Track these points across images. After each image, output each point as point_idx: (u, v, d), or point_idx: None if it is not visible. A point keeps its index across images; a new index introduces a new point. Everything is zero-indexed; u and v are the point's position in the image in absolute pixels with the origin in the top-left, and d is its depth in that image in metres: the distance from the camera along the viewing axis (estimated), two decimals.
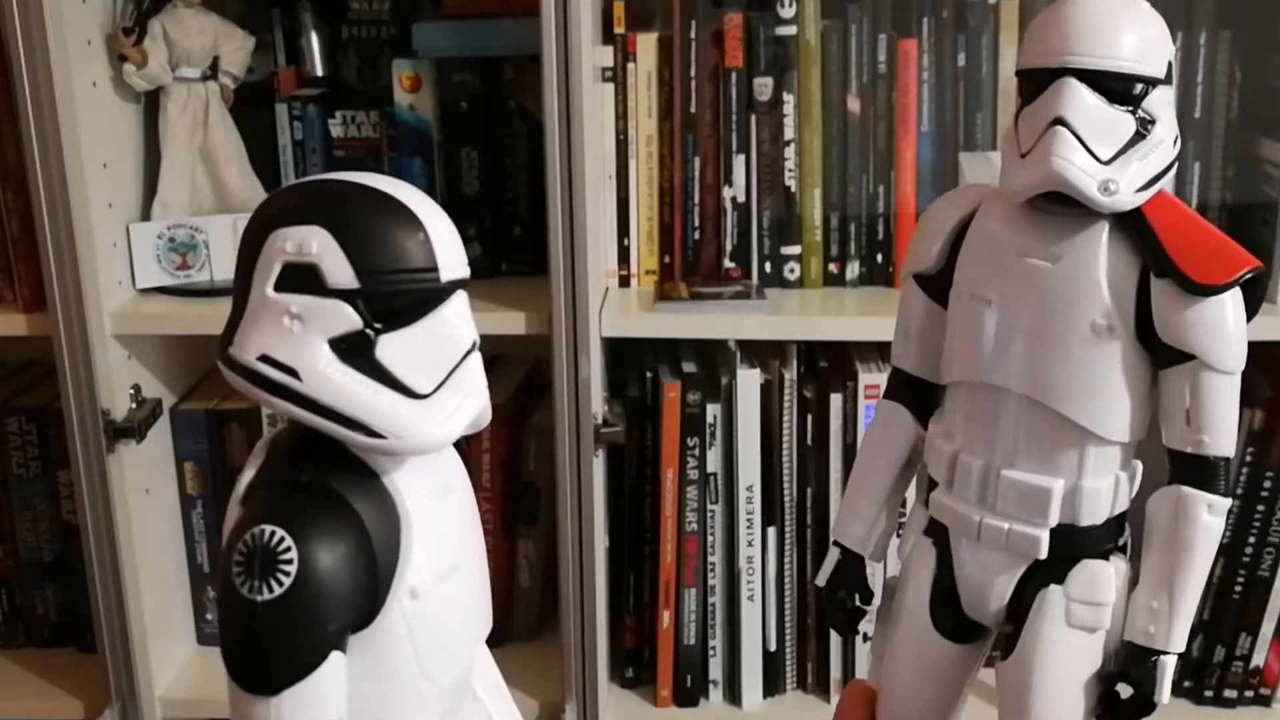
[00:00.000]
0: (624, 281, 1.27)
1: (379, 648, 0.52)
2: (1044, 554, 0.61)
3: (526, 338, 1.18)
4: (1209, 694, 1.27)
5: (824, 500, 1.25)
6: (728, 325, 1.20)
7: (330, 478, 0.51)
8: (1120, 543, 0.63)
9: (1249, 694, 1.28)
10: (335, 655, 0.50)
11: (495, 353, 1.43)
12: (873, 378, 1.21)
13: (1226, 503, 0.60)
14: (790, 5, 1.20)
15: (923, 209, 1.24)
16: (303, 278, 0.51)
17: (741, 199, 1.25)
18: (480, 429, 0.55)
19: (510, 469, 1.32)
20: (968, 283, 0.62)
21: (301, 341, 0.51)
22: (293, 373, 0.51)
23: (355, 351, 0.51)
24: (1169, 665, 0.60)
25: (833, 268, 1.27)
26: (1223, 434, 0.59)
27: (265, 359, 0.52)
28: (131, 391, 1.23)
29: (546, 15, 1.07)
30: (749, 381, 1.22)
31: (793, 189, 1.24)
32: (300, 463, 0.52)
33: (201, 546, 1.34)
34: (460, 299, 0.53)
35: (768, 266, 1.27)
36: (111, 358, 1.19)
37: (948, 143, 1.24)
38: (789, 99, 1.22)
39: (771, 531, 1.26)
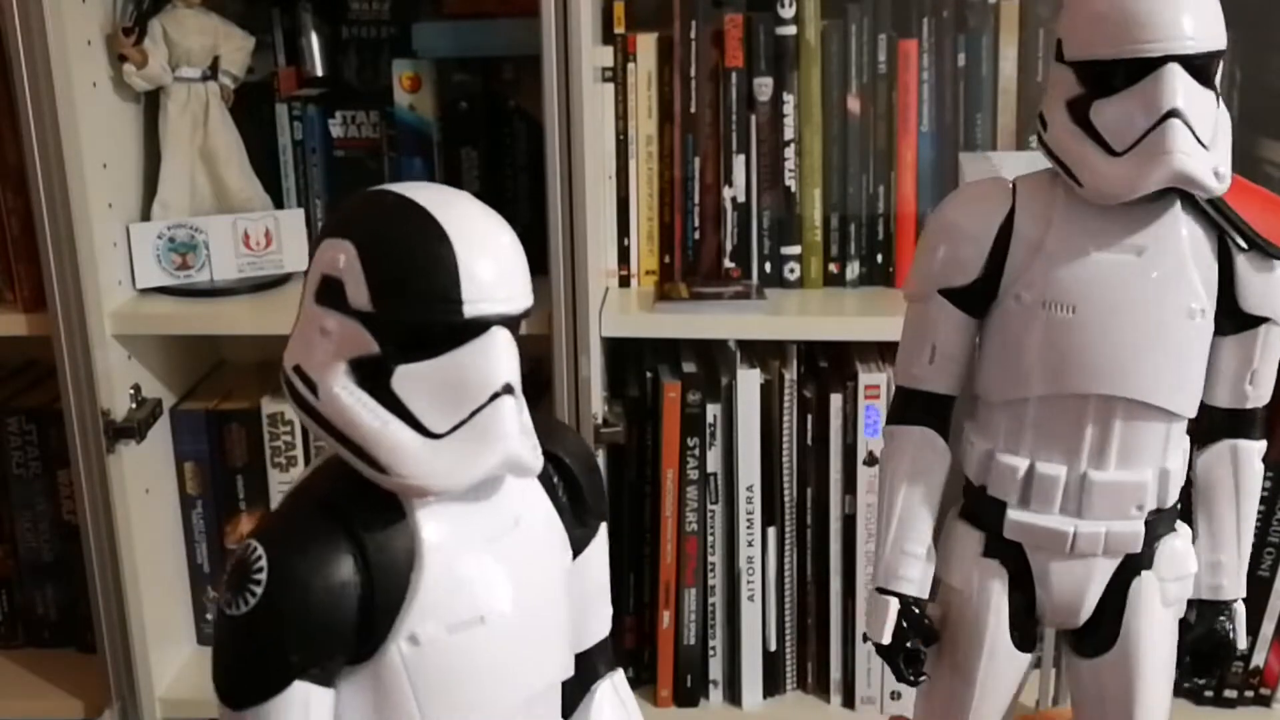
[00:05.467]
0: (624, 281, 1.27)
1: (375, 688, 0.50)
2: (1141, 546, 0.61)
3: (527, 338, 1.15)
4: (1209, 694, 1.27)
5: (824, 500, 1.25)
6: (728, 325, 1.20)
7: (353, 505, 0.49)
8: (1180, 512, 0.64)
9: (1249, 694, 1.28)
10: (301, 686, 0.48)
11: None
12: (872, 378, 1.21)
13: (1265, 446, 0.63)
14: (790, 5, 1.20)
15: (923, 209, 1.24)
16: (335, 293, 0.49)
17: (741, 199, 1.25)
18: (526, 475, 0.51)
19: None
20: (1037, 290, 0.59)
21: (326, 358, 0.49)
22: (314, 388, 0.49)
23: (371, 377, 0.48)
24: (1242, 610, 0.63)
25: (833, 268, 1.27)
26: (1271, 384, 0.62)
27: (297, 370, 0.50)
28: (131, 391, 1.23)
29: (546, 15, 1.07)
30: (749, 381, 1.22)
31: (793, 189, 1.24)
32: (333, 485, 0.50)
33: (201, 547, 1.34)
34: (494, 337, 0.49)
35: (768, 266, 1.27)
36: (111, 358, 1.19)
37: (947, 143, 1.24)
38: (789, 99, 1.22)
39: (771, 531, 1.26)
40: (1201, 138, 0.55)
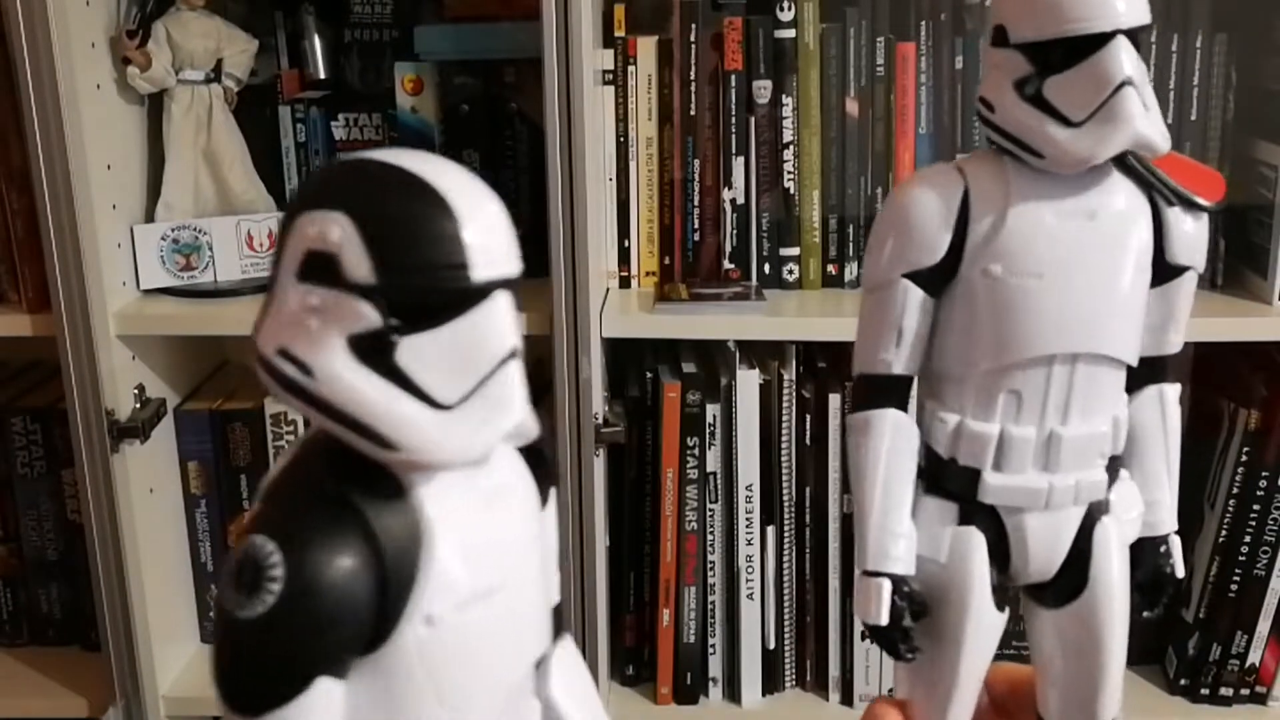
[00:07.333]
0: (624, 282, 1.28)
1: (389, 674, 0.48)
2: (1105, 492, 0.64)
3: (528, 338, 1.16)
4: (1205, 692, 1.28)
5: (823, 499, 1.26)
6: (727, 326, 1.21)
7: (351, 486, 0.47)
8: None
9: (1245, 692, 1.28)
10: (323, 681, 0.46)
11: None
12: None
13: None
14: (789, 8, 1.21)
15: None
16: (324, 268, 0.46)
17: (741, 201, 1.26)
18: (527, 440, 0.50)
19: None
20: (1005, 262, 0.62)
21: (319, 337, 0.46)
22: (307, 370, 0.46)
23: (374, 353, 0.46)
24: (1178, 541, 0.66)
25: (831, 269, 1.27)
26: (1184, 330, 0.66)
27: (283, 353, 0.47)
28: (135, 391, 1.24)
29: (547, 19, 1.08)
30: (748, 382, 1.23)
31: (791, 191, 1.25)
32: (325, 466, 0.48)
33: (205, 545, 1.35)
34: (499, 301, 0.47)
35: (767, 268, 1.27)
36: (116, 358, 1.20)
37: (945, 145, 1.25)
38: (788, 101, 1.23)
39: (770, 530, 1.26)
40: (1147, 104, 0.59)
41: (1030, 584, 0.66)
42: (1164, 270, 0.63)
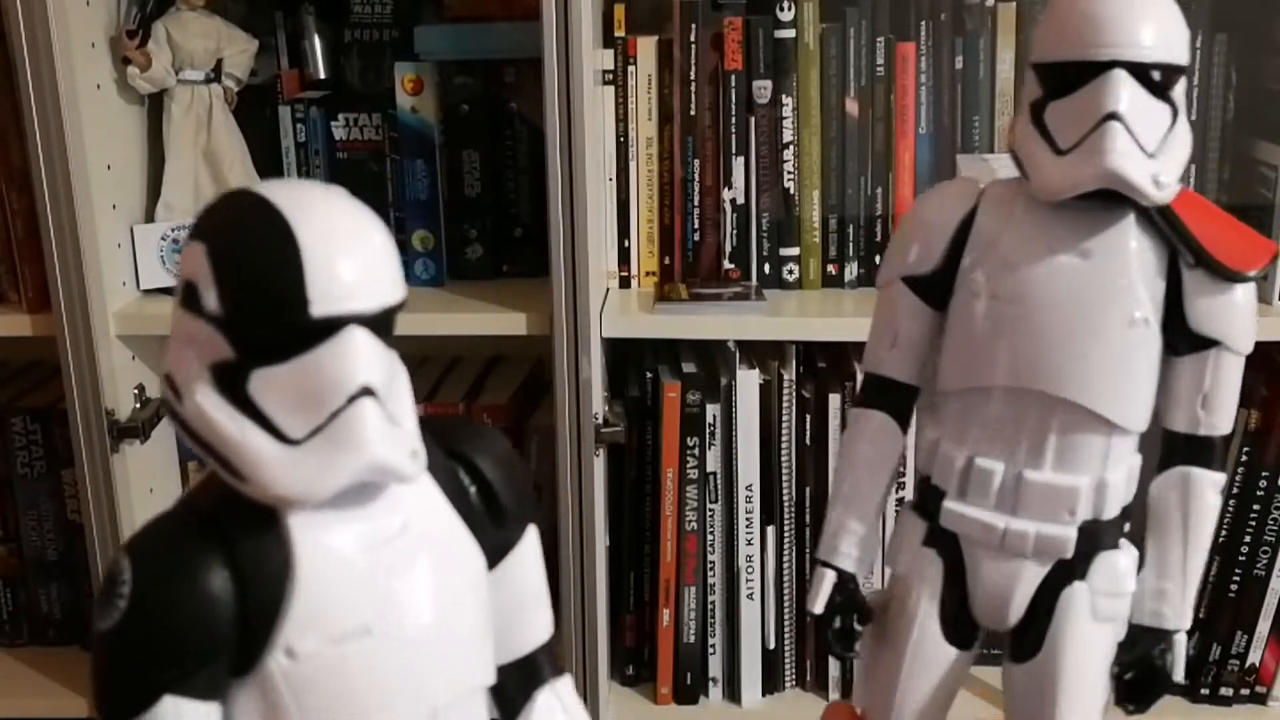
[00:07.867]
0: (624, 282, 1.28)
1: (258, 702, 0.48)
2: (1071, 553, 0.61)
3: (528, 338, 1.18)
4: (1205, 692, 1.28)
5: (823, 499, 1.26)
6: (727, 326, 1.21)
7: (229, 515, 0.47)
8: (1125, 530, 0.63)
9: (1245, 692, 1.28)
10: (171, 700, 0.46)
11: (496, 353, 1.44)
12: None
13: (1224, 479, 0.62)
14: (789, 8, 1.21)
15: None
16: (193, 297, 0.47)
17: (741, 201, 1.26)
18: (400, 480, 0.48)
19: None
20: (987, 285, 0.61)
21: (191, 365, 0.47)
22: (179, 395, 0.48)
23: (229, 383, 0.47)
24: (1183, 642, 0.62)
25: (831, 269, 1.27)
26: (1230, 415, 0.61)
27: (167, 377, 0.49)
28: (135, 391, 1.24)
29: (547, 19, 1.08)
30: (748, 382, 1.23)
31: (791, 191, 1.25)
32: (212, 495, 0.48)
33: None
34: (350, 337, 0.46)
35: (767, 268, 1.27)
36: (115, 358, 1.20)
37: (945, 145, 1.25)
38: (788, 101, 1.23)
39: (770, 530, 1.26)
40: (1144, 144, 0.56)
41: (999, 632, 0.65)
42: (1191, 339, 0.60)
